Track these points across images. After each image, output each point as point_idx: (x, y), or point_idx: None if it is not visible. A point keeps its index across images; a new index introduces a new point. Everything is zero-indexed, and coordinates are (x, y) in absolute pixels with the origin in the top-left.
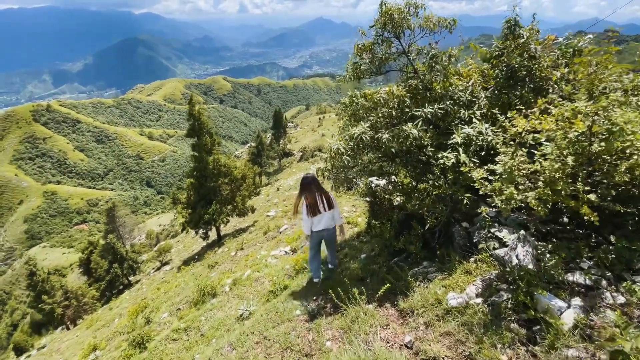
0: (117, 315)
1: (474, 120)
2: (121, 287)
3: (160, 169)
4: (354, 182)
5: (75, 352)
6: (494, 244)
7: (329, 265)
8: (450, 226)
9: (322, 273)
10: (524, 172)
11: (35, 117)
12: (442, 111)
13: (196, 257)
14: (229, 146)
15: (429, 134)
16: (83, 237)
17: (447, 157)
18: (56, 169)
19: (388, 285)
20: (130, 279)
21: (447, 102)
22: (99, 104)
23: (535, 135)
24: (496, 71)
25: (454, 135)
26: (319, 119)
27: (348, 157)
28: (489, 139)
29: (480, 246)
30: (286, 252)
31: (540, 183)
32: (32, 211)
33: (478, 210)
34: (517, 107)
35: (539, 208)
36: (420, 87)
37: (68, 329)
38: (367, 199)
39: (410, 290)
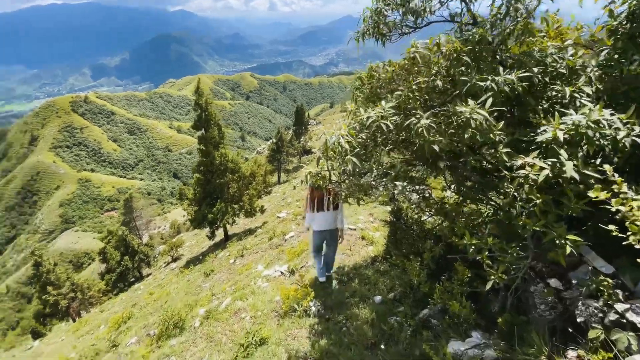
0: (104, 321)
1: (582, 102)
2: (132, 279)
3: (187, 161)
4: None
5: None
6: (627, 339)
7: (327, 272)
8: (527, 282)
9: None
10: None
11: (74, 107)
12: (524, 84)
13: (200, 257)
14: (252, 142)
15: (501, 123)
16: (111, 224)
17: (532, 165)
18: (91, 158)
19: None
20: (142, 272)
21: (535, 70)
22: (133, 97)
23: None
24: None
25: (545, 127)
26: (342, 116)
27: (355, 158)
28: (620, 135)
29: (591, 334)
30: (282, 272)
31: None
32: (67, 196)
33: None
34: None
35: None
36: (485, 43)
37: (74, 320)
38: (388, 216)
39: None
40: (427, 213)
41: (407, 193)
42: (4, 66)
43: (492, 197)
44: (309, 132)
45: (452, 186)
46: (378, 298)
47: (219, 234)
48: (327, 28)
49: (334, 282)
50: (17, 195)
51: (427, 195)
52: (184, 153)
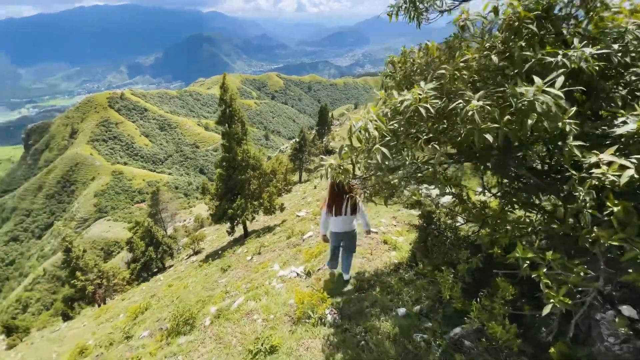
0: (123, 310)
1: None
2: (155, 270)
3: (213, 158)
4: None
5: (72, 347)
6: None
7: (343, 276)
8: (592, 308)
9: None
10: None
11: (110, 103)
12: (600, 64)
13: (220, 251)
14: (276, 140)
15: (573, 109)
16: (140, 215)
17: (609, 163)
18: (124, 151)
19: None
20: (164, 263)
21: (615, 46)
22: (165, 94)
23: None
24: None
25: (625, 118)
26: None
27: (385, 149)
28: None
29: None
30: (298, 273)
31: None
32: (102, 187)
33: None
34: None
35: None
36: (552, 12)
37: (99, 305)
38: (415, 219)
39: None
40: (462, 218)
41: (435, 196)
42: (50, 63)
43: (545, 202)
44: (331, 133)
45: (492, 188)
46: (402, 310)
47: (239, 230)
48: (354, 29)
49: (349, 286)
50: (57, 185)
51: (463, 197)
52: (211, 150)
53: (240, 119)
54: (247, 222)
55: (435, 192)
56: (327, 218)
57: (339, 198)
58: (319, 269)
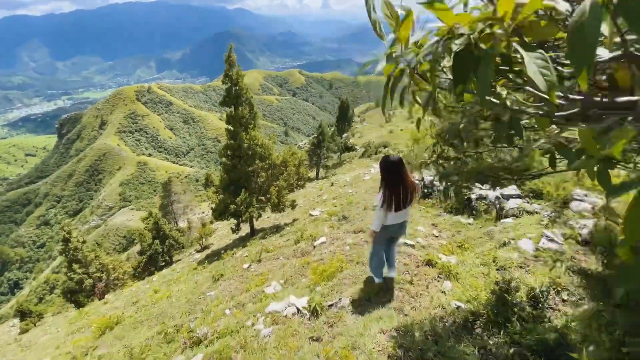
0: (99, 317)
1: None
2: (163, 263)
3: None
4: (436, 185)
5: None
6: None
7: (389, 273)
8: None
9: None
10: None
11: (138, 96)
12: None
13: (222, 251)
14: (295, 137)
15: None
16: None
17: None
18: (149, 143)
19: None
20: (172, 257)
21: None
22: (189, 89)
23: None
24: None
25: None
26: (388, 114)
27: None
28: None
29: None
30: (298, 309)
31: None
32: (127, 177)
33: None
34: None
35: None
36: None
37: (100, 299)
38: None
39: None
40: None
41: (495, 199)
42: (85, 57)
43: None
44: (351, 129)
45: None
46: None
47: (246, 227)
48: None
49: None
50: (86, 173)
51: None
52: None
53: (248, 99)
54: (255, 219)
55: (494, 192)
56: (385, 215)
57: (397, 188)
58: (331, 305)
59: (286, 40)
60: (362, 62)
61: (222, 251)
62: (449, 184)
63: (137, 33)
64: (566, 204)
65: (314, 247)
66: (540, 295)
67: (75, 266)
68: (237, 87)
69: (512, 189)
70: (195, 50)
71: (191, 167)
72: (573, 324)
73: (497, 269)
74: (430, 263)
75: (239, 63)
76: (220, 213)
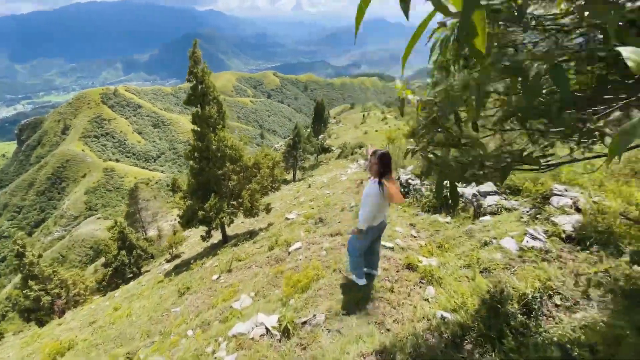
0: (52, 340)
1: None
2: (130, 275)
3: None
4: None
5: None
6: None
7: (372, 271)
8: None
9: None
10: None
11: (104, 99)
12: None
13: (191, 261)
14: (271, 139)
15: None
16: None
17: None
18: (116, 148)
19: None
20: (140, 268)
21: None
22: (159, 91)
23: None
24: None
25: None
26: (363, 115)
27: None
28: None
29: None
30: (267, 329)
31: None
32: (92, 184)
33: None
34: None
35: None
36: None
37: (59, 317)
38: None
39: None
40: None
41: (472, 196)
42: (46, 59)
43: None
44: (327, 130)
45: None
46: None
47: (218, 234)
48: (352, 30)
49: None
50: (48, 181)
51: None
52: None
53: (215, 98)
54: (227, 226)
55: (471, 189)
56: (378, 209)
57: (393, 182)
58: (304, 322)
59: (259, 42)
60: (336, 65)
61: (192, 261)
62: (441, 178)
63: (102, 34)
64: (546, 199)
65: (289, 253)
66: (533, 302)
67: (31, 283)
68: (203, 85)
69: (489, 186)
70: (164, 52)
71: (162, 172)
72: (575, 334)
73: (481, 272)
74: (410, 267)
75: (211, 64)
76: (188, 220)
